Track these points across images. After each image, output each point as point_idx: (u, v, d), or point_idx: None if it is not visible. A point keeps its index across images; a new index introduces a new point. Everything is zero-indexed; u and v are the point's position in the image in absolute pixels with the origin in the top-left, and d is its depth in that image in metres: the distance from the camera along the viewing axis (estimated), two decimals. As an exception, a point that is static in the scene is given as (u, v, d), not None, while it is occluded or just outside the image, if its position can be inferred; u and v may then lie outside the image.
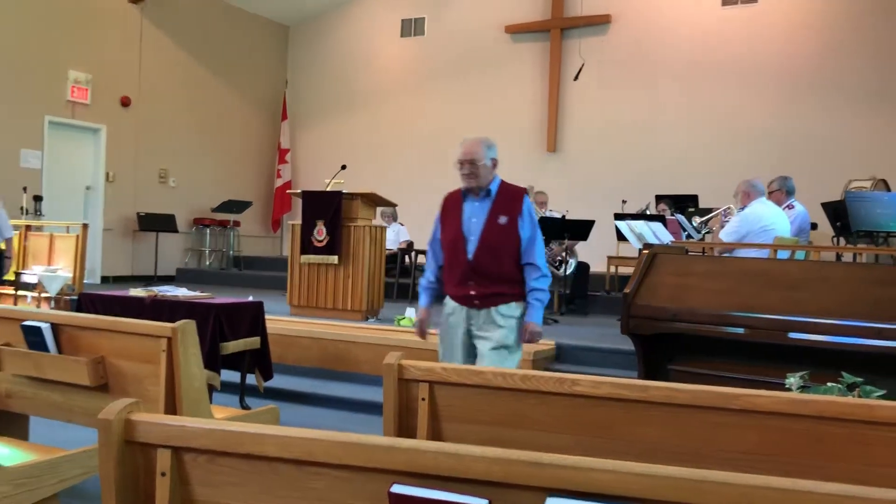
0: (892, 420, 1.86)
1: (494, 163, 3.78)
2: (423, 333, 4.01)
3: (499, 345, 3.71)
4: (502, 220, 3.70)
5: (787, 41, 10.27)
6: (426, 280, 4.00)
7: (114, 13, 11.16)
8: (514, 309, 3.74)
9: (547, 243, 7.85)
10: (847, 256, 7.58)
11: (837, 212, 7.54)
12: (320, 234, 7.31)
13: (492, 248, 3.70)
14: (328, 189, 7.78)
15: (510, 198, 3.77)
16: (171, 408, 2.88)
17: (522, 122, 11.82)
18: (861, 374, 2.86)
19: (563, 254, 8.20)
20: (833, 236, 8.06)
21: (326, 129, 13.44)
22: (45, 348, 3.18)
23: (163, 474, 1.51)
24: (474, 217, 3.76)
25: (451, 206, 3.87)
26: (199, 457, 1.50)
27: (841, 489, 1.19)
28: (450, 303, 3.87)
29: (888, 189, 8.45)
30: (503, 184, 3.82)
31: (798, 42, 10.21)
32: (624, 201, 9.71)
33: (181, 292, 5.16)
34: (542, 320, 3.81)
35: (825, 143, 9.91)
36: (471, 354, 3.82)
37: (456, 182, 3.82)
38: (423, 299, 3.98)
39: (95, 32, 10.91)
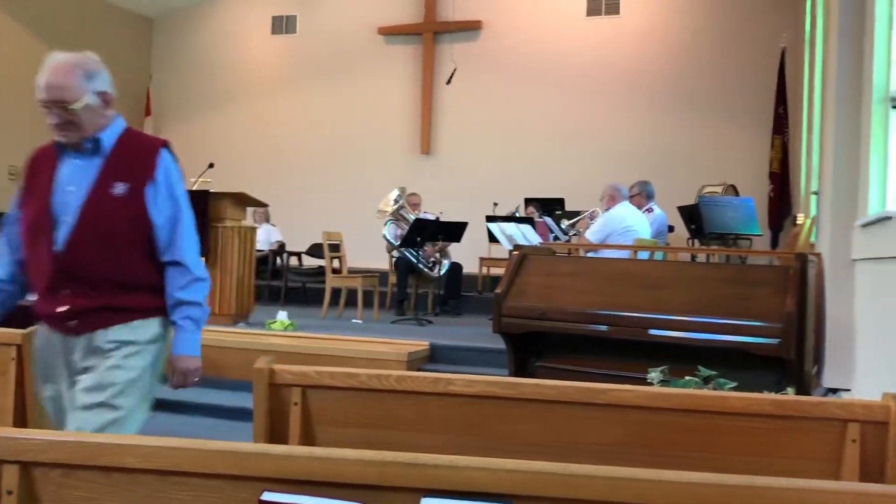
0: (743, 410, 1.98)
1: (106, 99, 2.39)
2: None
3: (98, 395, 2.25)
4: (119, 188, 2.31)
5: (645, 53, 10.78)
6: None
7: (-44, -3, 10.33)
8: (138, 331, 2.36)
9: (421, 245, 7.88)
10: (701, 257, 8.05)
11: (692, 215, 7.98)
12: (187, 235, 7.03)
13: (98, 234, 2.30)
14: (194, 188, 7.50)
15: (136, 155, 2.38)
16: (22, 421, 2.69)
17: (396, 123, 11.83)
18: (715, 368, 3.04)
19: (437, 255, 8.27)
20: (688, 238, 8.53)
21: (193, 126, 12.96)
22: None
23: (9, 493, 1.39)
24: (72, 184, 2.33)
25: (39, 169, 2.42)
26: (52, 472, 1.40)
27: (701, 478, 1.24)
28: (41, 330, 2.45)
29: (737, 194, 9.05)
30: (128, 132, 2.43)
31: (655, 54, 10.74)
32: (495, 204, 9.90)
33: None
34: (199, 350, 2.52)
35: (681, 151, 10.47)
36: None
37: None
38: None
39: (-66, 16, 10.05)
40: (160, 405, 5.61)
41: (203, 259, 7.88)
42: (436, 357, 6.15)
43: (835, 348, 4.38)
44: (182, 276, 2.41)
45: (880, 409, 1.95)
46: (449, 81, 11.17)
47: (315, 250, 9.52)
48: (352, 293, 8.17)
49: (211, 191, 7.18)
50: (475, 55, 11.41)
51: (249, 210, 8.32)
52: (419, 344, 6.12)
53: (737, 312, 4.11)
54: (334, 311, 8.12)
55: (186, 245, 2.43)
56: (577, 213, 8.18)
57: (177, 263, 2.40)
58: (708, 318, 4.15)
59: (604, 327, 4.40)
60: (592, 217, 7.30)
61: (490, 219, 8.41)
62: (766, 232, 9.24)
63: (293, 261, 9.89)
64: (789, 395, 2.74)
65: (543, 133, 11.11)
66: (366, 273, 8.26)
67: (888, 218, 3.21)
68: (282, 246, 9.82)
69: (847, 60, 4.37)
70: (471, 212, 9.37)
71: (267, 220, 10.03)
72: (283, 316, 7.00)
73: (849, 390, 4.24)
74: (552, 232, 8.12)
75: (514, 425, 2.09)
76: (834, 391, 4.34)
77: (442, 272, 8.34)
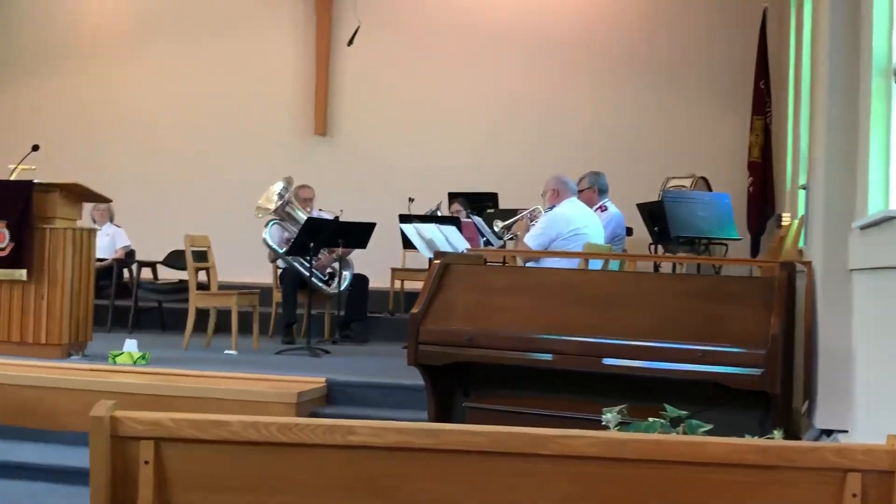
0: (721, 460, 2.00)
1: None
2: None
3: None
4: None
5: (599, 14, 10.98)
6: None
7: None
8: None
9: (315, 251, 7.82)
10: (666, 266, 8.23)
11: (654, 214, 8.16)
12: (2, 239, 6.85)
13: None
14: (12, 178, 7.29)
15: None
16: None
17: (283, 97, 11.71)
18: (685, 405, 3.08)
19: (335, 265, 8.21)
20: (650, 243, 8.71)
21: (12, 98, 12.53)
22: None
23: None
24: None
25: None
26: None
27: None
28: None
29: (709, 188, 9.28)
30: None
31: (611, 16, 10.95)
32: (411, 199, 9.92)
33: None
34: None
35: (641, 135, 10.69)
36: None
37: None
38: None
39: None
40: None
41: (23, 272, 7.67)
42: (334, 397, 6.12)
43: (829, 380, 4.51)
44: None
45: (885, 454, 2.00)
46: (350, 42, 11.11)
47: (175, 259, 9.33)
48: (224, 315, 8.04)
49: (35, 181, 7.00)
50: (385, 11, 11.40)
51: (87, 207, 8.12)
52: (312, 381, 6.08)
53: (710, 336, 4.20)
54: (201, 338, 7.97)
55: None
56: (513, 213, 8.25)
57: None
58: (675, 344, 4.22)
59: (547, 356, 4.43)
60: (533, 217, 7.36)
61: (404, 218, 8.41)
62: (745, 235, 9.53)
63: (146, 273, 9.69)
64: (776, 439, 2.81)
65: (470, 112, 11.18)
66: (242, 289, 8.15)
67: (892, 218, 3.32)
68: (130, 254, 9.61)
69: (841, 25, 4.52)
70: (379, 210, 9.35)
71: (110, 219, 9.81)
72: (131, 346, 6.85)
73: (846, 431, 4.37)
74: (483, 235, 8.17)
75: (435, 484, 2.08)
76: (829, 433, 4.48)
77: (342, 287, 8.29)
